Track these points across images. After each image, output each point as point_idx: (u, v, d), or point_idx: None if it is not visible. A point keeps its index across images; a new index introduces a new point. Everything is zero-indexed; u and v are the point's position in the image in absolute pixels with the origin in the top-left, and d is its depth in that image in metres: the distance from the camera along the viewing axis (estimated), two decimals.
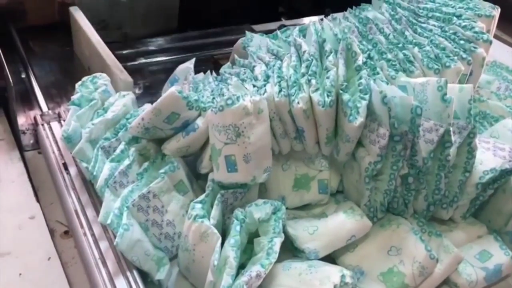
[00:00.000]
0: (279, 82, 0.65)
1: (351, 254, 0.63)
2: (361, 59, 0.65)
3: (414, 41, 0.76)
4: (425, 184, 0.65)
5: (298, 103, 0.62)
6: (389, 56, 0.73)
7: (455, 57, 0.73)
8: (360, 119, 0.60)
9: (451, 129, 0.62)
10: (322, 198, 0.68)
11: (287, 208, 0.65)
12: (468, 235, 0.68)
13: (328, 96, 0.61)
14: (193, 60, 0.75)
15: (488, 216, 0.70)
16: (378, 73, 0.68)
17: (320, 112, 0.62)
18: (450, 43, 0.75)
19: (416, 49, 0.74)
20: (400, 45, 0.75)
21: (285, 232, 0.60)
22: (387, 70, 0.71)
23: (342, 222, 0.63)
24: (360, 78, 0.63)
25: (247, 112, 0.59)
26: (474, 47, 0.75)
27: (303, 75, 0.65)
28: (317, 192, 0.68)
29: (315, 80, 0.63)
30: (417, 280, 0.60)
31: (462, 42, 0.76)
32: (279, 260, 0.56)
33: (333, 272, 0.55)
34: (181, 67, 0.75)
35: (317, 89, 0.63)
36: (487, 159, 0.67)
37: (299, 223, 0.64)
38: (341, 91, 0.62)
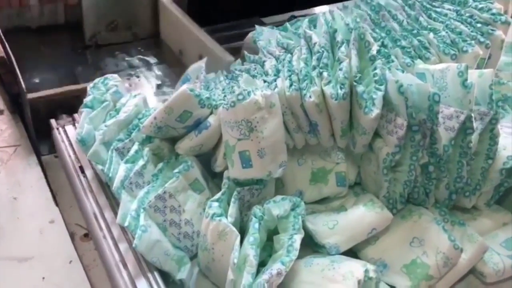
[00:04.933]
0: (290, 76, 0.64)
1: (372, 247, 0.62)
2: (375, 48, 0.63)
3: (429, 26, 0.74)
4: (446, 173, 0.63)
5: (310, 97, 0.61)
6: (404, 43, 0.71)
7: (473, 41, 0.71)
8: (376, 111, 0.59)
9: (472, 115, 0.60)
10: (340, 190, 0.67)
11: (305, 203, 0.64)
12: (493, 222, 0.67)
13: (341, 88, 0.60)
14: (205, 59, 0.74)
15: None
16: (392, 61, 0.67)
17: (334, 105, 0.60)
18: (466, 27, 0.73)
19: (431, 35, 0.72)
20: (415, 32, 0.73)
21: (304, 227, 0.59)
22: (402, 57, 0.69)
23: (362, 215, 0.62)
24: (375, 68, 0.61)
25: (258, 107, 0.58)
26: (492, 30, 0.72)
27: (314, 67, 0.64)
28: (335, 185, 0.67)
29: (327, 72, 0.62)
30: (442, 271, 0.59)
31: (479, 25, 0.73)
32: (299, 256, 0.55)
33: (357, 267, 0.54)
34: (193, 66, 0.74)
35: (329, 82, 0.61)
36: (511, 143, 0.65)
37: (318, 218, 0.63)
38: (355, 83, 0.61)
